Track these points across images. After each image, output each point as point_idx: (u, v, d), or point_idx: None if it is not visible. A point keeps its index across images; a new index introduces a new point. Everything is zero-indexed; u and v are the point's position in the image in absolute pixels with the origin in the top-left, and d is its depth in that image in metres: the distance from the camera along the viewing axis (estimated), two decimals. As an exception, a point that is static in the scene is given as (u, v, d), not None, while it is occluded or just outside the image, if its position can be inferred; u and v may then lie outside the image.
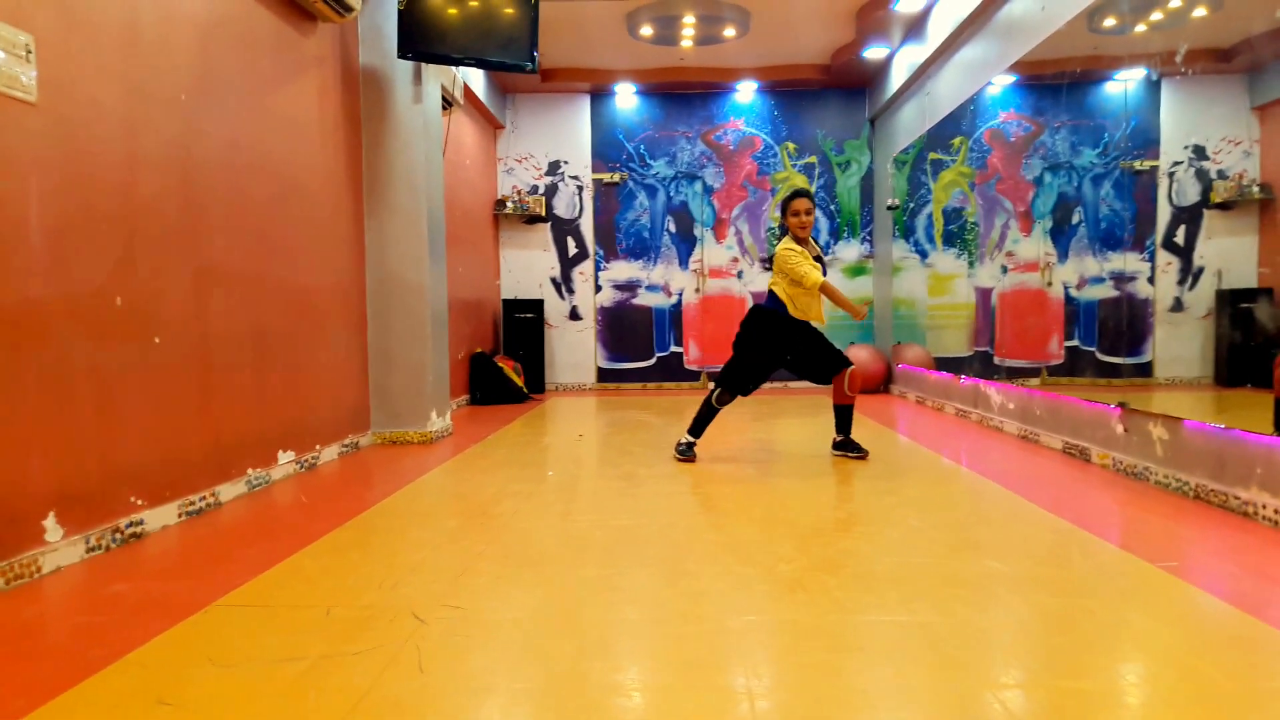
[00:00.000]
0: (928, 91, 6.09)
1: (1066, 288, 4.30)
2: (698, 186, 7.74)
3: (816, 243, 3.92)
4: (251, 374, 3.36)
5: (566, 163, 7.77)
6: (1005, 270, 4.97)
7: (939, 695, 1.48)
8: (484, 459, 4.08)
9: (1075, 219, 4.22)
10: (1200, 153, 3.47)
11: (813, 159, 7.73)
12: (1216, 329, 3.41)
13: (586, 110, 7.73)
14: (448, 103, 5.40)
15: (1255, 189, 3.28)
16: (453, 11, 4.32)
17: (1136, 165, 3.75)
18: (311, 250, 3.91)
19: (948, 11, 5.33)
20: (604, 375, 7.90)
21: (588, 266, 7.83)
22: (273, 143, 3.56)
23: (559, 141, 7.76)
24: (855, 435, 4.03)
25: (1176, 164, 3.58)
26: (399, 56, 4.30)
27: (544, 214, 7.70)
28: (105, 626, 1.87)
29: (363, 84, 4.50)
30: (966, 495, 3.15)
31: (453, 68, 5.25)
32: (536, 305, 7.50)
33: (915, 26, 6.03)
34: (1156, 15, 3.48)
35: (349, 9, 3.95)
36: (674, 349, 7.85)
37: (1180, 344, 3.62)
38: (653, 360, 7.87)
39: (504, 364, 6.80)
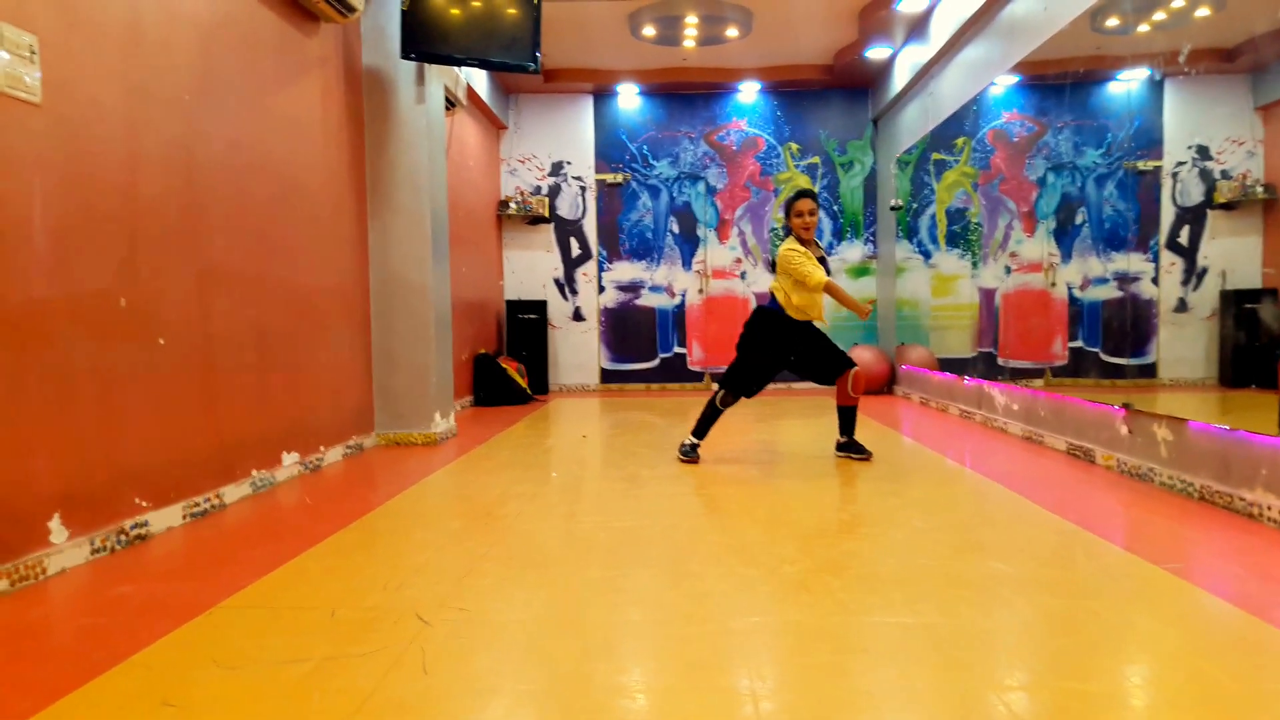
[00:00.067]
0: (930, 92, 6.08)
1: (1070, 288, 4.29)
2: (701, 187, 7.74)
3: (820, 244, 3.91)
4: (255, 375, 3.37)
5: (569, 163, 7.77)
6: (1009, 271, 4.96)
7: (943, 697, 1.48)
8: (488, 460, 4.08)
9: (1079, 219, 4.21)
10: (1204, 153, 3.47)
11: (816, 159, 7.72)
12: (1221, 330, 3.40)
13: (589, 111, 7.73)
14: (451, 103, 5.41)
15: (1259, 189, 3.27)
16: (455, 12, 4.32)
17: (1140, 165, 3.75)
18: (315, 251, 3.92)
19: (950, 11, 5.33)
20: (607, 376, 7.89)
21: (591, 267, 7.83)
22: (275, 143, 3.56)
23: (562, 142, 7.76)
24: (859, 436, 4.02)
25: (1180, 164, 3.57)
26: (402, 57, 4.30)
27: (547, 215, 7.70)
28: (110, 628, 1.88)
29: (365, 84, 4.51)
30: (970, 496, 3.15)
31: (456, 68, 5.26)
32: (540, 306, 7.50)
33: (918, 26, 6.03)
34: (1159, 15, 3.47)
35: (352, 9, 3.95)
36: (677, 350, 7.85)
37: (1184, 345, 3.61)
38: (656, 361, 7.87)
39: (507, 365, 6.80)
